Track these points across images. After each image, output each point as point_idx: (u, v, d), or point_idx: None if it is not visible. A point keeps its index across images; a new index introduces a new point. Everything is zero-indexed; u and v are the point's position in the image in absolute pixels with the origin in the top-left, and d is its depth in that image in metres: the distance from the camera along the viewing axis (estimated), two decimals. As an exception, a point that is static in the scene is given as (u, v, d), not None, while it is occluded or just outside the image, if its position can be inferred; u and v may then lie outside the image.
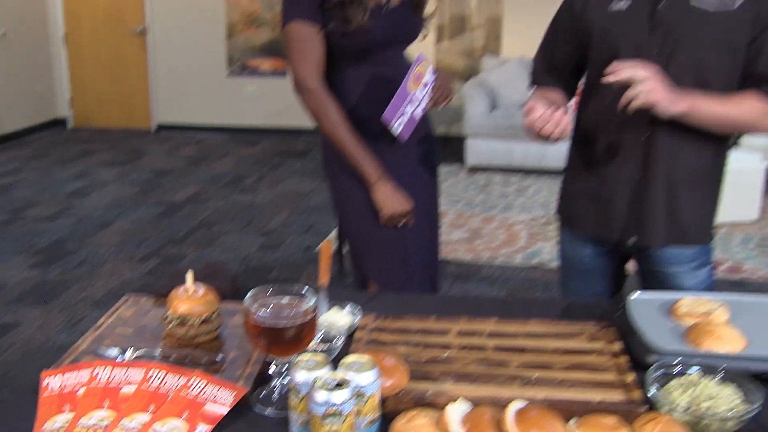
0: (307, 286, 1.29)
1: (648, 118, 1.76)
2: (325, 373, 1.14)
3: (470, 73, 7.35)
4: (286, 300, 1.28)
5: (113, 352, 1.39)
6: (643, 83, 1.63)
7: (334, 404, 1.09)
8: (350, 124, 2.01)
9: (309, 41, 1.97)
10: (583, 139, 1.95)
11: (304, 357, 1.20)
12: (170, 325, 1.45)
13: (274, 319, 1.23)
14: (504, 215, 5.42)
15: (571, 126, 1.79)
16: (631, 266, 2.07)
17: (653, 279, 1.94)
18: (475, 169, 6.67)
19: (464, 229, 4.99)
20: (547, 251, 4.62)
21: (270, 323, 1.22)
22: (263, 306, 1.25)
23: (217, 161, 6.80)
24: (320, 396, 1.09)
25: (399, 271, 2.09)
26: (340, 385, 1.10)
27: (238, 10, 7.76)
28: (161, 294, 1.64)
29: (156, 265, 4.19)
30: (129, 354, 1.39)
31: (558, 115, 1.70)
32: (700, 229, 1.90)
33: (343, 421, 1.10)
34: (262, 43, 7.83)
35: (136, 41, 7.99)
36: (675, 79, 1.72)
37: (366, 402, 1.15)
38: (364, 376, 1.14)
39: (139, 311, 1.60)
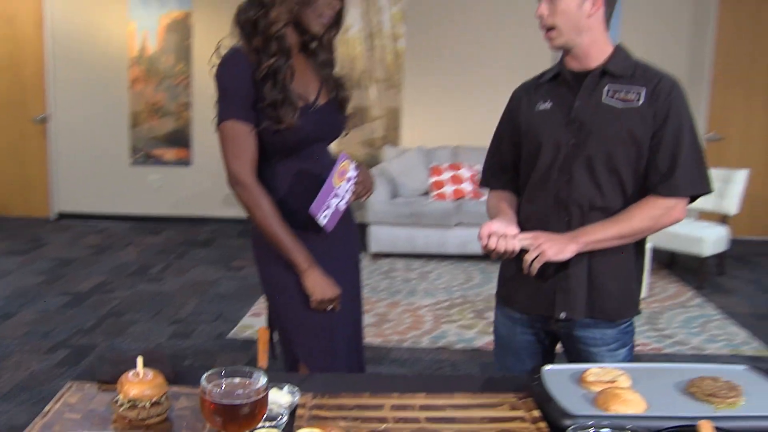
0: (256, 369, 1.40)
1: (564, 208, 2.03)
2: (281, 444, 1.24)
3: (371, 162, 7.62)
4: (237, 380, 1.38)
5: (68, 435, 1.45)
6: (534, 250, 1.96)
7: (293, 473, 1.19)
8: (280, 215, 2.15)
9: (243, 139, 2.12)
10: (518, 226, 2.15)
11: (262, 428, 1.30)
12: (121, 408, 1.51)
13: (230, 398, 1.32)
14: (409, 300, 5.60)
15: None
16: (558, 347, 2.28)
17: (578, 359, 2.14)
18: (378, 256, 6.86)
19: (372, 314, 5.14)
20: (453, 333, 4.81)
21: (226, 401, 1.32)
22: (217, 386, 1.35)
23: (122, 250, 6.74)
24: (279, 466, 1.19)
25: (327, 353, 2.20)
26: (297, 455, 1.21)
27: (142, 100, 7.84)
28: (103, 380, 1.71)
29: (66, 356, 4.11)
30: (83, 437, 1.44)
31: (508, 246, 1.99)
32: (617, 309, 2.12)
33: (300, 488, 1.20)
34: (166, 132, 7.90)
35: (36, 129, 7.93)
36: (588, 167, 2.01)
37: (318, 471, 1.25)
38: (316, 447, 1.25)
39: (84, 397, 1.65)
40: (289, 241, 2.13)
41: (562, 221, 2.07)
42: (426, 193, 7.24)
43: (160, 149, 7.92)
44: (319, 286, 2.13)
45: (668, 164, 2.01)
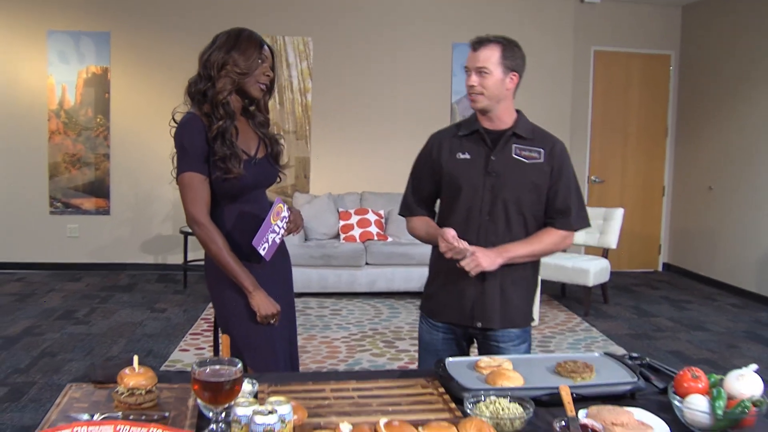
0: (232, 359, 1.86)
1: (482, 239, 2.61)
2: (259, 408, 1.70)
3: (285, 208, 8.05)
4: (218, 366, 1.83)
5: (84, 416, 1.86)
6: (469, 260, 2.51)
7: (269, 424, 1.65)
8: (230, 248, 2.61)
9: (198, 187, 2.58)
10: (440, 253, 2.66)
11: (240, 401, 1.75)
12: (122, 396, 1.94)
13: (216, 377, 1.78)
14: (324, 333, 6.05)
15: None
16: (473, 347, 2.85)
17: (490, 353, 2.67)
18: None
19: (293, 346, 5.57)
20: (366, 360, 5.29)
21: (213, 379, 1.77)
22: (204, 369, 1.80)
23: (44, 296, 6.93)
24: (259, 419, 1.65)
25: (270, 358, 2.65)
26: (271, 412, 1.67)
27: (61, 151, 8.07)
28: (98, 381, 2.12)
29: (5, 394, 4.35)
30: (97, 416, 1.86)
31: (459, 248, 2.51)
32: (523, 315, 2.73)
33: (275, 436, 1.66)
34: (85, 182, 8.14)
35: (-49, 181, 8.04)
36: (502, 209, 2.61)
37: (286, 426, 1.71)
38: (284, 408, 1.71)
39: (85, 393, 2.06)
40: (238, 268, 2.59)
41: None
42: (336, 236, 7.74)
43: (79, 199, 8.15)
44: (264, 304, 2.59)
45: (563, 207, 2.67)
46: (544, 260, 6.61)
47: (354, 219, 7.69)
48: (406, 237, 7.62)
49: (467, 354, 2.85)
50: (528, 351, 2.79)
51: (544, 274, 6.89)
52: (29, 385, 4.51)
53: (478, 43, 2.61)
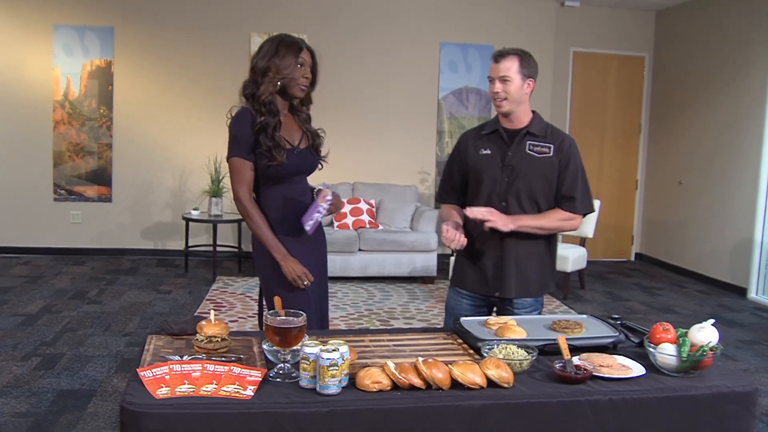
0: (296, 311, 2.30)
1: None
2: (324, 347, 2.14)
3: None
4: (284, 317, 2.27)
5: (175, 357, 2.30)
6: (488, 216, 2.97)
7: (333, 359, 2.09)
8: (267, 224, 3.05)
9: (243, 170, 3.02)
10: (467, 232, 3.15)
11: (307, 342, 2.19)
12: (201, 343, 2.37)
13: (286, 324, 2.22)
14: (322, 314, 6.47)
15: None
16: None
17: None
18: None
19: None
20: (366, 337, 5.74)
21: (284, 326, 2.21)
22: (275, 318, 2.24)
23: (54, 278, 7.29)
24: (326, 355, 2.09)
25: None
26: (335, 350, 2.11)
27: (65, 141, 8.42)
28: (173, 333, 2.56)
29: (39, 362, 4.74)
30: (185, 357, 2.29)
31: (458, 238, 3.00)
32: (537, 286, 3.20)
33: (338, 369, 2.10)
34: (88, 171, 8.50)
35: (-42, 168, 8.35)
36: (517, 198, 3.08)
37: (345, 362, 2.16)
38: (343, 348, 2.16)
39: (166, 342, 2.49)
40: (271, 241, 3.04)
41: (497, 231, 3.08)
42: (330, 224, 8.16)
43: (82, 186, 8.50)
44: (291, 269, 3.03)
45: (568, 194, 3.14)
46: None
47: (347, 208, 8.12)
48: (397, 225, 8.10)
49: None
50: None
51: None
52: (59, 356, 4.90)
53: (500, 56, 3.07)
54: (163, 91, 8.54)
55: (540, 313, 3.27)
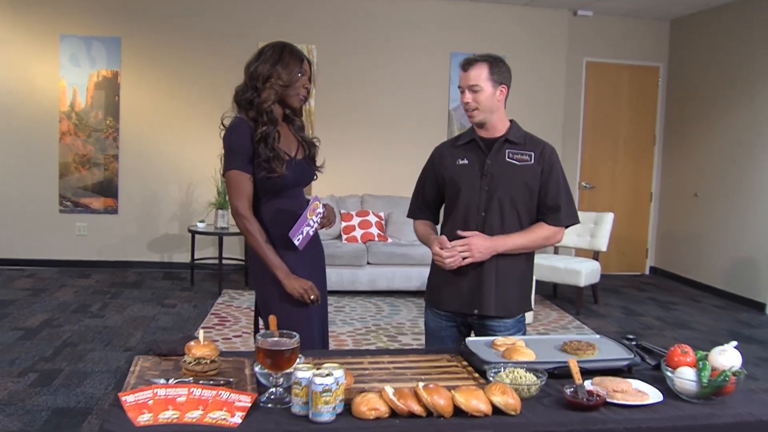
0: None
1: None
2: (317, 371, 2.00)
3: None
4: (277, 338, 2.13)
5: (160, 380, 2.16)
6: (465, 253, 2.83)
7: (327, 384, 1.95)
8: (267, 238, 2.91)
9: (243, 183, 2.88)
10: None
11: (300, 366, 2.05)
12: (189, 365, 2.23)
13: (278, 346, 2.08)
14: (329, 328, 6.28)
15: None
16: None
17: None
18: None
19: (301, 340, 5.87)
20: (373, 353, 5.59)
21: (275, 348, 2.07)
22: (267, 340, 2.10)
23: (57, 291, 7.19)
24: (319, 381, 1.94)
25: (307, 337, 2.94)
26: (329, 375, 1.97)
27: (71, 152, 8.33)
28: (162, 354, 2.42)
29: (36, 379, 4.62)
30: (171, 381, 2.16)
31: (453, 258, 2.85)
32: (517, 304, 3.02)
33: (332, 395, 1.96)
34: (94, 182, 8.41)
35: (-36, 180, 8.28)
36: (498, 207, 2.90)
37: (339, 387, 2.01)
38: (338, 372, 2.01)
39: (153, 363, 2.36)
40: (272, 258, 2.89)
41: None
42: (338, 237, 8.03)
43: (88, 198, 8.41)
44: (295, 287, 2.87)
45: (553, 204, 2.97)
46: (537, 261, 6.91)
47: (355, 220, 8.00)
48: (406, 238, 7.95)
49: None
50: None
51: (537, 274, 7.22)
52: (57, 372, 4.78)
53: (468, 64, 2.91)
54: (170, 102, 8.45)
55: (524, 334, 3.07)
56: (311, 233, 2.97)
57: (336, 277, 7.48)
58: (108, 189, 8.44)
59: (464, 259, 2.86)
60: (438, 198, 3.14)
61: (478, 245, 2.86)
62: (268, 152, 2.86)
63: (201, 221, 7.96)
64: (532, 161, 2.94)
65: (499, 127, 2.98)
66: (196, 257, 7.98)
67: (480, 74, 2.89)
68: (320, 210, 2.98)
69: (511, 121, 3.03)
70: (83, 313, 6.41)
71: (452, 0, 8.76)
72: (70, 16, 8.27)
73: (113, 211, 8.48)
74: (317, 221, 2.98)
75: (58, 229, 8.44)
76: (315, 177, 3.14)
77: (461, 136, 3.09)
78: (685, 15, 9.05)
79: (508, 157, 2.95)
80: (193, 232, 7.78)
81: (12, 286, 7.39)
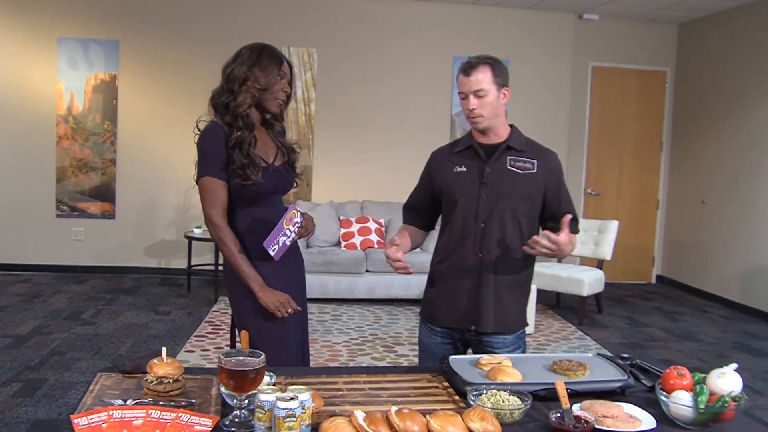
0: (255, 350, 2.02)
1: (478, 247, 2.73)
2: (281, 394, 1.86)
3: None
4: (242, 357, 1.99)
5: (117, 401, 2.02)
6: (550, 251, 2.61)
7: (291, 409, 1.81)
8: (242, 249, 2.77)
9: (216, 191, 2.74)
10: (440, 259, 2.85)
11: (263, 388, 1.91)
12: (151, 384, 2.10)
13: (242, 366, 1.94)
14: (325, 338, 6.21)
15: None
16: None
17: None
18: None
19: (295, 350, 5.73)
20: (366, 363, 5.44)
21: (239, 368, 1.93)
22: (231, 359, 1.96)
23: (51, 297, 7.08)
24: (281, 404, 1.81)
25: (283, 352, 2.81)
26: (292, 398, 1.83)
27: (68, 156, 8.23)
28: (126, 371, 2.28)
29: (19, 389, 4.50)
30: (129, 402, 2.02)
31: (397, 264, 2.69)
32: (515, 320, 2.86)
33: (296, 420, 1.82)
34: (91, 187, 8.31)
35: (-40, 183, 8.19)
36: (499, 217, 2.74)
37: (305, 411, 1.87)
38: (304, 395, 1.87)
39: (115, 381, 2.22)
40: (246, 269, 2.75)
41: (476, 255, 2.79)
42: (337, 244, 7.89)
43: (85, 203, 8.30)
44: (270, 299, 2.74)
45: (569, 210, 2.79)
46: (539, 269, 6.74)
47: (355, 227, 7.86)
48: (406, 245, 7.78)
49: None
50: None
51: (539, 283, 7.06)
52: (41, 382, 4.66)
53: (470, 67, 2.73)
54: (168, 106, 8.33)
55: (524, 351, 2.92)
56: (288, 243, 2.83)
57: (334, 284, 7.34)
58: (105, 193, 8.33)
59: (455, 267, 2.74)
60: (429, 205, 2.99)
61: (564, 250, 2.63)
62: (242, 158, 2.73)
63: (198, 227, 7.83)
64: (535, 169, 2.79)
65: (500, 132, 2.83)
66: (193, 263, 7.86)
67: (484, 78, 2.72)
68: (298, 219, 2.84)
69: (511, 126, 2.87)
70: (75, 320, 6.29)
71: (455, 3, 8.63)
72: (67, 19, 8.18)
73: (110, 215, 8.37)
74: (295, 231, 2.84)
75: (54, 233, 8.33)
76: (295, 185, 3.00)
77: (458, 141, 2.94)
78: (694, 19, 8.88)
79: (510, 165, 2.79)
80: (190, 238, 7.66)
81: (6, 291, 7.28)
